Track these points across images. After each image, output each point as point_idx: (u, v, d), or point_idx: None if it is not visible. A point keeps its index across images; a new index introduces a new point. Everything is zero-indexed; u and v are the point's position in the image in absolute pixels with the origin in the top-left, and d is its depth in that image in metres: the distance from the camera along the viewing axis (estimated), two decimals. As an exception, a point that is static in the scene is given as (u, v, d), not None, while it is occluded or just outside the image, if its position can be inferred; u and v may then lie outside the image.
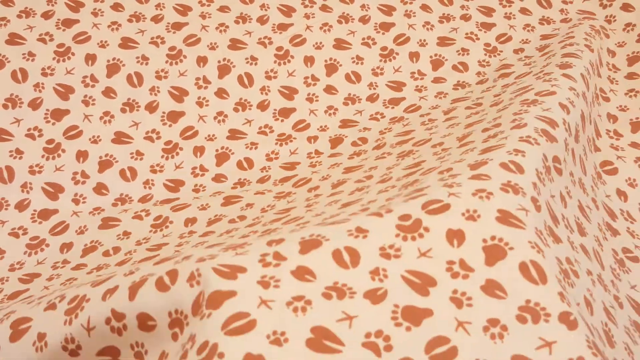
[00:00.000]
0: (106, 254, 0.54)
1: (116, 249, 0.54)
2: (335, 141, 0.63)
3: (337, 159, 0.61)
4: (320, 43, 0.70)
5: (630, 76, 0.71)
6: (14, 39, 0.65)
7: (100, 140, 0.59)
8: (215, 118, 0.63)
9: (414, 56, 0.69)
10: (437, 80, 0.66)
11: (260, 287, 0.38)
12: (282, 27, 0.71)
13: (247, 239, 0.42)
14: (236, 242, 0.42)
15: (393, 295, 0.38)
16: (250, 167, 0.60)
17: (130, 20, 0.68)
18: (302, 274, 0.38)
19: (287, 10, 0.72)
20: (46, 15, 0.66)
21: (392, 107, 0.64)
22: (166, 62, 0.67)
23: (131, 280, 0.39)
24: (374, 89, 0.65)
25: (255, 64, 0.68)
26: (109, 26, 0.67)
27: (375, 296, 0.38)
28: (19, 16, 0.66)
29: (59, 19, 0.67)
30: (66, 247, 0.55)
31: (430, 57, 0.68)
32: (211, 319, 0.36)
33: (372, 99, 0.63)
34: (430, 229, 0.41)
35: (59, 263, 0.53)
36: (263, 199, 0.58)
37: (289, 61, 0.68)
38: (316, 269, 0.39)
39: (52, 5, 0.67)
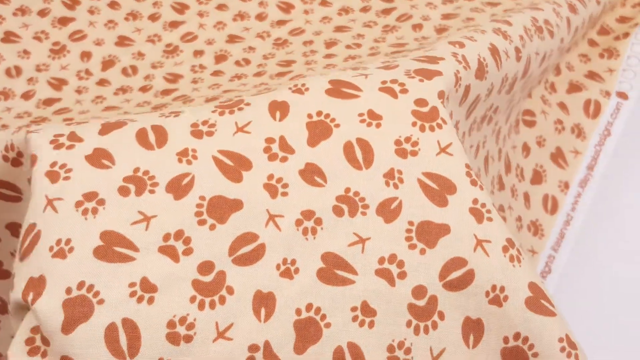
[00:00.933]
0: None
1: None
2: None
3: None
4: (320, 31, 0.68)
5: (591, 42, 0.68)
6: (9, 37, 0.64)
7: (88, 112, 0.56)
8: (210, 87, 0.60)
9: (417, 27, 0.67)
10: (441, 38, 0.63)
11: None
12: (282, 23, 0.70)
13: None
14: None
15: (408, 208, 0.34)
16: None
17: (127, 19, 0.68)
18: (312, 175, 0.34)
19: (286, 7, 0.71)
20: (42, 14, 0.66)
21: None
22: (162, 56, 0.65)
23: (106, 120, 0.35)
24: (376, 49, 0.62)
25: (253, 52, 0.66)
26: (105, 24, 0.67)
27: (389, 212, 0.34)
28: (15, 14, 0.66)
29: (55, 17, 0.66)
30: None
31: (435, 26, 0.66)
32: None
33: (373, 56, 0.60)
34: (447, 121, 0.37)
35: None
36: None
37: (287, 46, 0.66)
38: (324, 166, 0.35)
39: (48, 3, 0.67)
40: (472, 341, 0.33)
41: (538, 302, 0.33)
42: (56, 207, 0.32)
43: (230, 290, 0.32)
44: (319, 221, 0.34)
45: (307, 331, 0.32)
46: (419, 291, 0.33)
